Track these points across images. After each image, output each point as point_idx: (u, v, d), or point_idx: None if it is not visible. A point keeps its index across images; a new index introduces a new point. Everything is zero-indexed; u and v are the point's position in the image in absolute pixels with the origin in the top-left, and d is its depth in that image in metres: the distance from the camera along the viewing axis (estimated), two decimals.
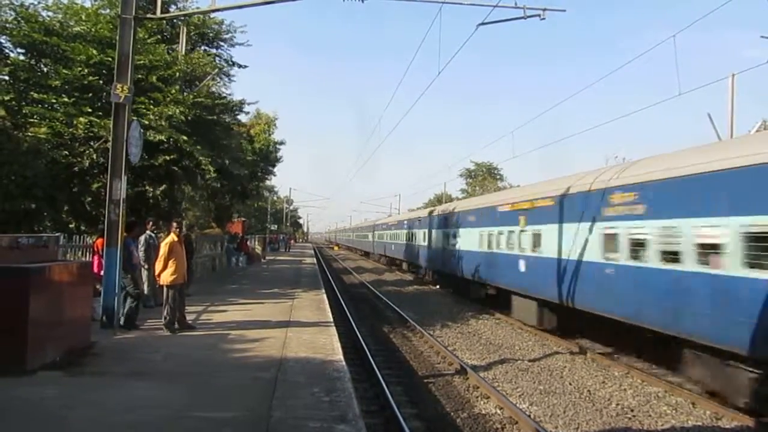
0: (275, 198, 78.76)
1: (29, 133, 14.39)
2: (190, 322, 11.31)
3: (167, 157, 15.36)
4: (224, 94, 21.56)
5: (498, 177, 68.58)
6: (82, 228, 16.07)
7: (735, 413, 9.08)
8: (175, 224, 11.55)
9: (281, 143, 38.25)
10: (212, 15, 21.12)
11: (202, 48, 21.70)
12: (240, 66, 23.70)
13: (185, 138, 15.27)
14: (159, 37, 17.85)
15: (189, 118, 15.84)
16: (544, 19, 11.99)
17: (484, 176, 68.99)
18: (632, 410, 9.49)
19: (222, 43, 22.85)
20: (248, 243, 36.61)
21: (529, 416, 8.87)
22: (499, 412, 9.24)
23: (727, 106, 22.00)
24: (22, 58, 15.98)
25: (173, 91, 15.95)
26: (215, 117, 17.84)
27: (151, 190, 15.85)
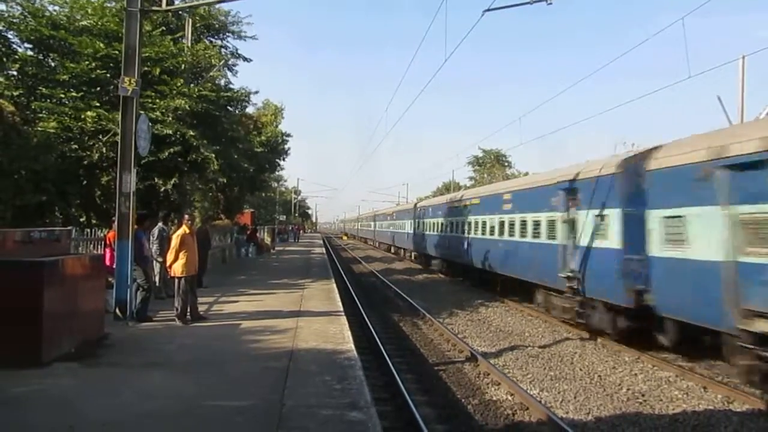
0: (283, 189, 78.84)
1: (38, 128, 14.49)
2: (201, 313, 11.41)
3: (173, 150, 15.42)
4: (229, 86, 21.61)
5: (506, 164, 68.25)
6: (93, 221, 16.20)
7: (746, 396, 9.08)
8: (186, 216, 11.64)
9: (288, 135, 38.22)
10: (218, 6, 21.16)
11: (207, 39, 21.70)
12: (245, 59, 23.70)
13: (192, 132, 15.31)
14: (164, 28, 17.88)
15: (194, 110, 15.88)
16: (551, 4, 11.83)
17: (492, 164, 68.65)
18: (643, 395, 9.50)
19: (228, 35, 22.86)
20: (258, 234, 36.73)
21: (540, 402, 8.90)
22: (510, 398, 9.27)
23: (737, 88, 21.76)
24: (30, 53, 16.06)
25: (179, 83, 15.98)
26: (220, 111, 17.85)
27: (161, 183, 15.91)
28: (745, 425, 8.16)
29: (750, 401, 8.92)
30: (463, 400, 9.26)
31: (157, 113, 14.99)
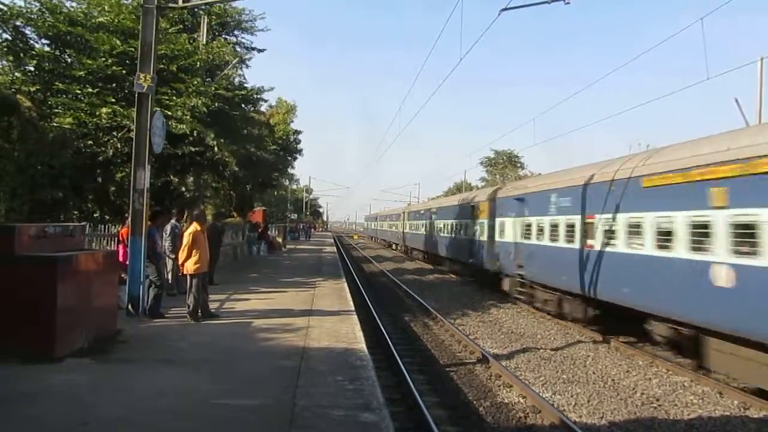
0: (295, 187, 78.92)
1: (54, 123, 14.58)
2: (213, 310, 11.41)
3: (192, 149, 15.45)
4: (243, 84, 21.65)
5: (519, 165, 67.93)
6: (107, 217, 16.29)
7: (763, 403, 8.94)
8: (197, 213, 11.64)
9: (299, 132, 38.27)
10: (233, 4, 21.18)
11: (223, 37, 21.75)
12: (259, 50, 23.72)
13: (208, 131, 15.35)
14: (180, 26, 17.93)
15: (210, 108, 15.91)
16: (568, 3, 11.73)
17: (504, 164, 68.35)
18: (658, 399, 9.38)
19: (242, 32, 22.91)
20: (269, 232, 36.81)
21: (553, 405, 8.82)
22: (522, 401, 9.20)
23: (755, 90, 21.43)
24: (46, 49, 16.16)
25: (195, 82, 16.02)
26: (236, 110, 17.87)
27: (176, 180, 15.96)
28: None
29: (767, 408, 8.78)
30: (474, 402, 9.20)
31: (174, 111, 15.04)
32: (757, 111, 21.86)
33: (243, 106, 19.93)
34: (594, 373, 10.98)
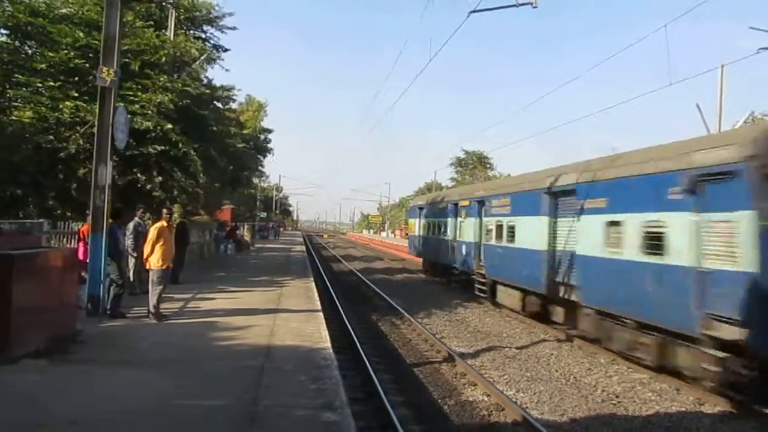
0: (265, 185, 78.10)
1: (13, 117, 14.18)
2: (162, 310, 10.80)
3: (158, 147, 15.15)
4: (213, 81, 21.35)
5: (488, 166, 68.62)
6: (68, 214, 15.89)
7: (717, 399, 9.21)
8: (165, 210, 11.41)
9: (269, 131, 37.96)
10: None
11: (191, 32, 21.40)
12: (224, 49, 23.37)
13: (171, 127, 15.06)
14: (151, 22, 17.59)
15: (177, 105, 15.64)
16: (536, 7, 11.89)
17: (474, 165, 68.98)
18: (617, 396, 9.60)
19: (211, 27, 22.55)
20: (238, 231, 36.44)
21: (516, 403, 8.94)
22: (486, 399, 9.30)
23: (716, 96, 22.06)
24: (5, 39, 15.69)
25: (162, 78, 15.72)
26: (203, 107, 17.58)
27: (144, 179, 15.58)
28: (716, 427, 8.29)
29: (721, 404, 9.05)
30: (439, 401, 9.25)
31: (137, 107, 14.74)
32: (717, 116, 22.49)
33: (214, 103, 19.67)
34: (557, 370, 11.17)
